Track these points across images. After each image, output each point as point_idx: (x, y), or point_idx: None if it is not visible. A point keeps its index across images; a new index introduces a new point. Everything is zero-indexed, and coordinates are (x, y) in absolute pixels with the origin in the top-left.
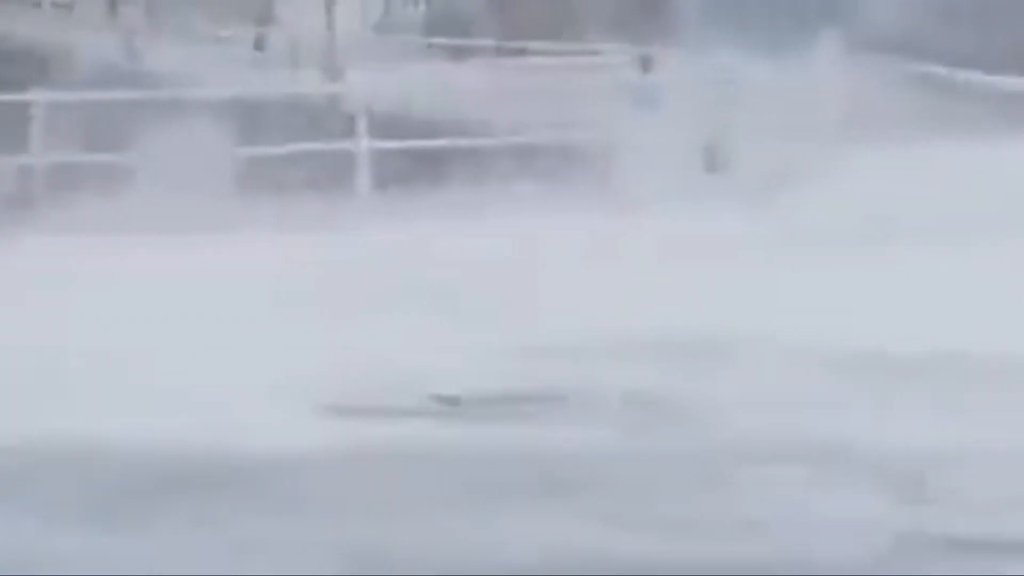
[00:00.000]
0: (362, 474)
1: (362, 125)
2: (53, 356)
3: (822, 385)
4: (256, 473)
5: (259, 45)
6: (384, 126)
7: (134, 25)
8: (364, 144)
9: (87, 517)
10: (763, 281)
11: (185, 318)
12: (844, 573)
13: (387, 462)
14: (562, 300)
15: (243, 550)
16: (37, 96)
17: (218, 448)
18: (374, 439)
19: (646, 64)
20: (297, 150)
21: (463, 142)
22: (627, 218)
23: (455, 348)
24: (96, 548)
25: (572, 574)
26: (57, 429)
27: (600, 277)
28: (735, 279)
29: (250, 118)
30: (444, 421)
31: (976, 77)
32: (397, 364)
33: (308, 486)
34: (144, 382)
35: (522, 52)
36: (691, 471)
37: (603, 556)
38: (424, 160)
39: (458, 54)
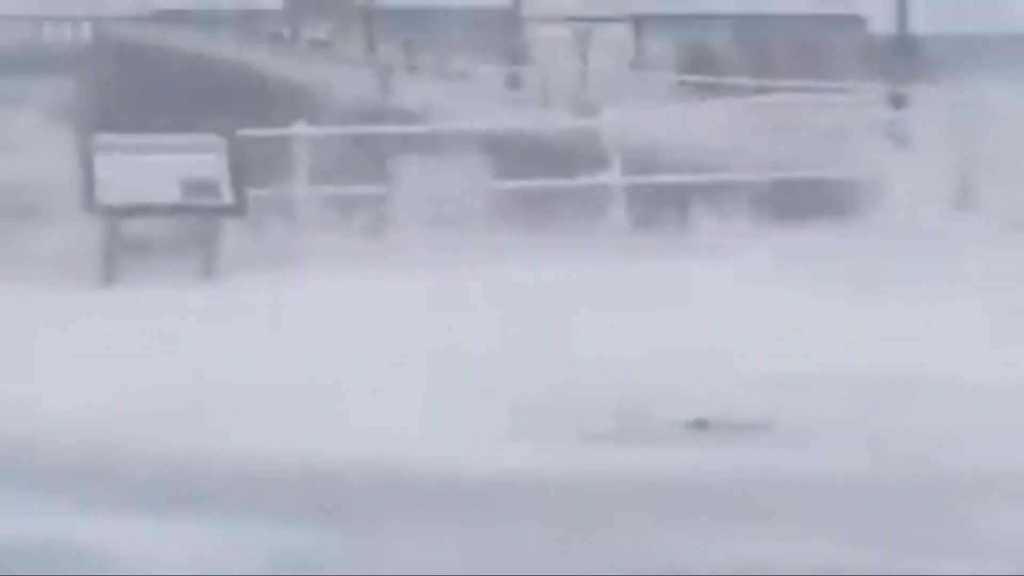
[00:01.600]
0: (596, 496)
1: (616, 160)
2: (318, 378)
3: None
4: (508, 493)
5: (513, 83)
6: (637, 162)
7: (390, 62)
8: (617, 179)
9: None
10: (997, 322)
11: (433, 344)
12: None
13: (633, 486)
14: (802, 333)
15: (494, 558)
16: (300, 130)
17: (481, 468)
18: (623, 465)
19: (898, 101)
20: (551, 184)
21: (715, 177)
22: (868, 256)
23: (690, 375)
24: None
25: None
26: (324, 446)
27: (842, 311)
28: (972, 319)
29: (504, 153)
30: (688, 447)
31: None
32: (641, 389)
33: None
34: (402, 401)
35: (773, 89)
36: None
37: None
38: (675, 195)
39: (710, 91)
